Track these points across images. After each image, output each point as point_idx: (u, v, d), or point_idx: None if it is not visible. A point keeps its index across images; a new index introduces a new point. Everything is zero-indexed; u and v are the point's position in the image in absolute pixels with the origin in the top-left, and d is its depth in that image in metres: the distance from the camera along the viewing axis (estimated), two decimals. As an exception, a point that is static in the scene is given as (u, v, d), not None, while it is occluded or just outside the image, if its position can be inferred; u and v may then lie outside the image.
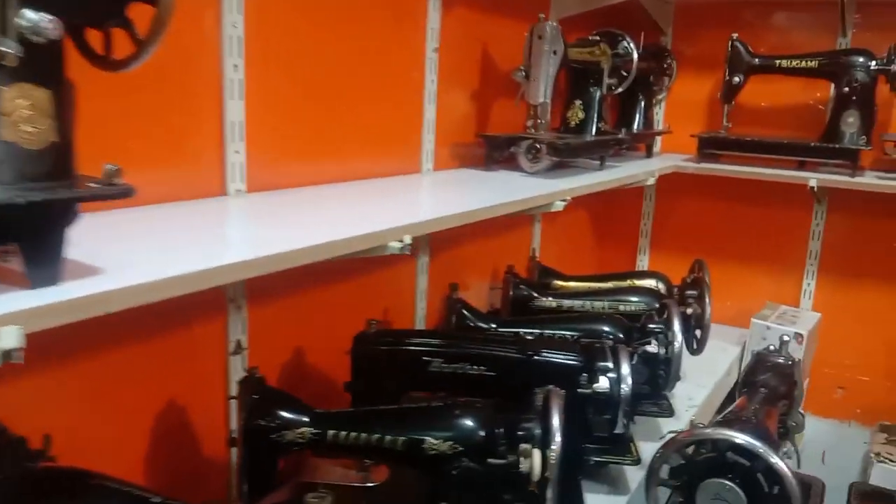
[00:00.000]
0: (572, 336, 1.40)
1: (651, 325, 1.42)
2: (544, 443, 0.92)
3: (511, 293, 1.64)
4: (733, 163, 2.09)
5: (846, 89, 1.95)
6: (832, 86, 2.05)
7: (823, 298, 2.23)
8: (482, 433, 0.96)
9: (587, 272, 1.98)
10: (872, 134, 1.97)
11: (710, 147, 2.10)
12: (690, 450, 1.23)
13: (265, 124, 1.18)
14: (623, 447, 1.32)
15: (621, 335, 1.40)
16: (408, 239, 0.99)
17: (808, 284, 2.24)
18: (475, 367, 1.20)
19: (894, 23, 2.04)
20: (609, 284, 1.76)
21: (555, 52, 1.63)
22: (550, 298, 1.66)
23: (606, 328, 1.42)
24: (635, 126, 2.19)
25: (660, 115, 2.40)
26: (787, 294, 2.28)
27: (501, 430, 0.96)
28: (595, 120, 1.79)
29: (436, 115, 1.59)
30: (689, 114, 2.33)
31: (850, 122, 1.96)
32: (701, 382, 1.84)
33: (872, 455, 2.00)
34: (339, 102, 1.34)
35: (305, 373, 1.34)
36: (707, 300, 1.63)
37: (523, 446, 0.92)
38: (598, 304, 1.63)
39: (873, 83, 1.94)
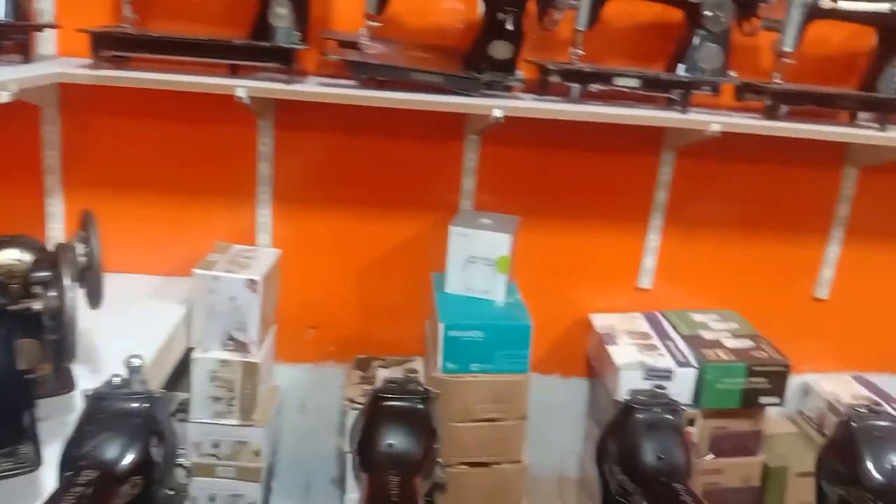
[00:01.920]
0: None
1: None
2: None
3: None
4: (156, 69, 1.57)
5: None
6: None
7: (283, 232, 1.91)
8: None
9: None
10: (310, 30, 1.65)
11: (107, 47, 1.53)
12: None
13: None
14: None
15: None
16: None
17: (264, 217, 1.89)
18: None
19: None
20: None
21: None
22: None
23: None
24: (-3, 14, 1.48)
25: (49, 2, 1.71)
26: (243, 231, 1.89)
27: None
28: None
29: None
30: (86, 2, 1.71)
31: (281, 14, 1.59)
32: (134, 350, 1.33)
33: (346, 401, 1.78)
34: None
35: None
36: (95, 244, 1.13)
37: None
38: None
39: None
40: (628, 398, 0.77)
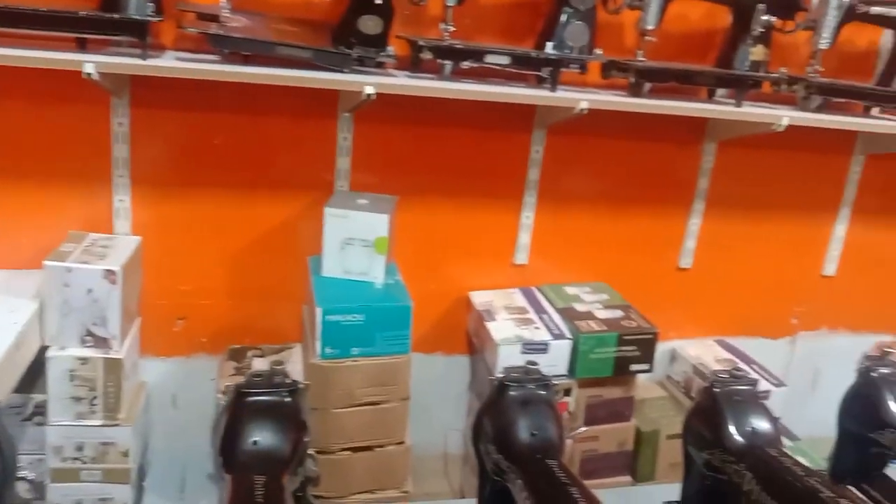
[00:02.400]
0: None
1: None
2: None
3: None
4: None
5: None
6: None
7: (144, 218, 1.79)
8: None
9: None
10: (165, 1, 1.53)
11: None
12: None
13: None
14: None
15: None
16: None
17: (122, 202, 1.76)
18: None
19: None
20: None
21: None
22: None
23: None
24: None
25: None
26: (98, 219, 1.76)
27: None
28: None
29: None
30: None
31: (131, -16, 1.47)
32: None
33: (220, 394, 1.70)
34: None
35: None
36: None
37: None
38: None
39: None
40: (501, 375, 0.76)
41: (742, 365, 2.09)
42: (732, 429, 0.81)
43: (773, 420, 0.83)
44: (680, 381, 2.17)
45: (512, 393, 0.76)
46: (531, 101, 1.75)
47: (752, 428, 0.81)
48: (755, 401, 0.84)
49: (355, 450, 1.72)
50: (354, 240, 1.72)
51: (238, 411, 0.69)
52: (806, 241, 2.29)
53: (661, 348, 2.17)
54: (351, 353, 1.64)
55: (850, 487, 1.05)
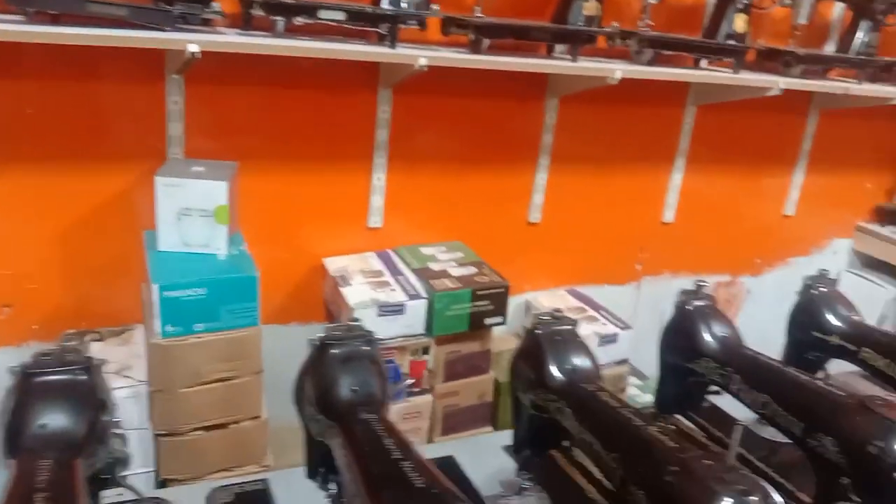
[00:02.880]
0: None
1: None
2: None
3: None
4: None
5: None
6: None
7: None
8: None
9: None
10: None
11: None
12: None
13: None
14: None
15: None
16: None
17: (-79, 181, 1.58)
18: None
19: None
20: None
21: None
22: None
23: None
24: None
25: None
26: None
27: None
28: None
29: None
30: None
31: None
32: None
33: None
34: None
35: None
36: None
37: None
38: None
39: None
40: (321, 335, 0.74)
41: (591, 311, 2.19)
42: (553, 368, 0.83)
43: (593, 358, 0.86)
44: (536, 332, 2.24)
45: (333, 351, 0.74)
46: (369, 59, 1.72)
47: (572, 366, 0.83)
48: (575, 340, 0.86)
49: (208, 428, 1.65)
50: (192, 210, 1.63)
51: (24, 393, 0.63)
52: (646, 191, 2.40)
53: (516, 301, 2.23)
54: (194, 329, 1.57)
55: (676, 416, 1.12)
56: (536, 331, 0.85)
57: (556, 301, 2.25)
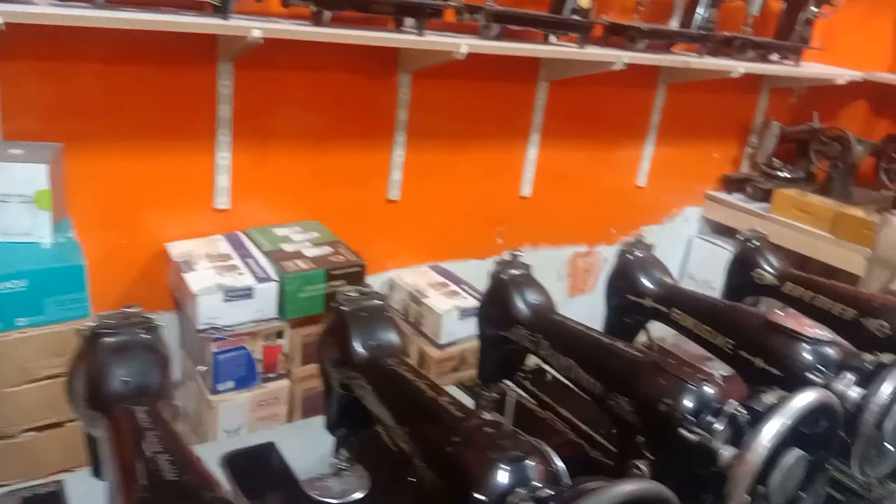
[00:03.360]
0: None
1: None
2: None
3: None
4: None
5: None
6: None
7: None
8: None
9: None
10: None
11: None
12: None
13: None
14: None
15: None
16: None
17: None
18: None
19: None
20: None
21: None
22: None
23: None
24: None
25: None
26: None
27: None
28: None
29: None
30: None
31: None
32: None
33: None
34: None
35: None
36: None
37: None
38: None
39: None
40: (93, 323, 0.69)
41: (453, 285, 2.20)
42: (357, 344, 0.81)
43: (399, 332, 0.85)
44: (399, 309, 2.23)
45: (106, 340, 0.69)
46: (198, 31, 1.62)
47: (376, 342, 0.82)
48: (382, 315, 0.84)
49: (42, 429, 1.55)
50: (10, 196, 1.52)
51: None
52: (503, 166, 2.43)
53: (380, 279, 2.21)
54: (16, 324, 1.46)
55: (501, 383, 1.13)
56: (342, 307, 0.83)
57: (419, 277, 2.25)
